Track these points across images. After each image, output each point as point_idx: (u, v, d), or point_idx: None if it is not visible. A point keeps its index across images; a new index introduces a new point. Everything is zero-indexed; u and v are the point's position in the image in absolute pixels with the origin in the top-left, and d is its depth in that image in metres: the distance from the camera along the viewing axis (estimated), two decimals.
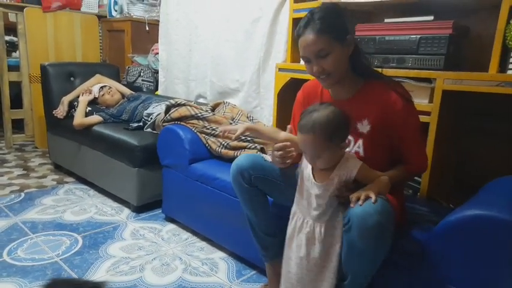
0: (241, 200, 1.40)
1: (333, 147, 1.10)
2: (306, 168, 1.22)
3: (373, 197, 1.04)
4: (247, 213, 1.43)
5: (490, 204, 1.07)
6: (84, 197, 2.44)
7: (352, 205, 1.06)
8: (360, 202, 1.04)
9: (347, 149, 1.25)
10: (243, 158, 1.38)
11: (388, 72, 1.63)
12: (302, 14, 2.03)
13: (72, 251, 1.78)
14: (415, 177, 1.66)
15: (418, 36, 1.58)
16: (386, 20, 1.75)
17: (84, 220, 2.11)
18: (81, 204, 2.32)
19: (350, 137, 1.26)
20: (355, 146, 1.26)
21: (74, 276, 1.58)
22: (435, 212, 1.42)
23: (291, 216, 1.27)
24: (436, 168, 1.59)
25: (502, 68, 1.44)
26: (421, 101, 1.56)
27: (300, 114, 1.17)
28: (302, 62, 2.11)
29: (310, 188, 1.19)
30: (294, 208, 1.27)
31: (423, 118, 1.53)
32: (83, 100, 2.59)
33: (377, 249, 1.07)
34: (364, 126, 1.23)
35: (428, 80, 1.54)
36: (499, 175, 1.36)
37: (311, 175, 1.19)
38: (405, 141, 1.23)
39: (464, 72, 1.46)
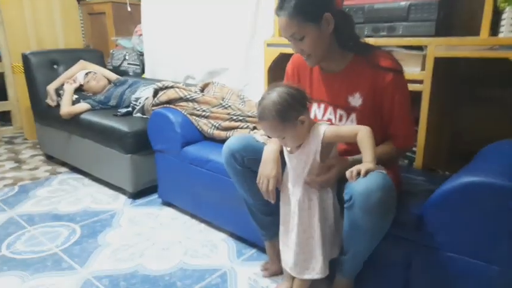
0: (236, 182, 1.39)
1: (290, 126, 1.13)
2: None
3: (362, 171, 1.03)
4: (243, 195, 1.42)
5: (484, 170, 1.07)
6: (78, 186, 2.42)
7: (352, 180, 1.04)
8: (361, 176, 1.03)
9: (341, 123, 1.25)
10: (234, 139, 1.36)
11: (379, 41, 1.60)
12: None
13: (71, 241, 1.78)
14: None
15: (408, 2, 1.54)
16: None
17: (80, 210, 2.09)
18: (76, 194, 2.30)
19: (342, 112, 1.25)
20: (348, 121, 1.24)
21: (75, 266, 1.58)
22: (431, 181, 1.42)
23: (281, 192, 1.29)
24: (431, 136, 1.59)
25: (494, 31, 1.41)
26: (413, 70, 1.54)
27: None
28: None
29: (288, 161, 1.23)
30: (283, 182, 1.28)
31: (415, 87, 1.52)
32: (68, 89, 2.52)
33: (381, 226, 1.07)
34: (356, 100, 1.22)
35: (419, 48, 1.51)
36: (493, 140, 1.36)
37: (286, 149, 1.24)
38: (392, 115, 1.20)
39: (455, 37, 1.44)
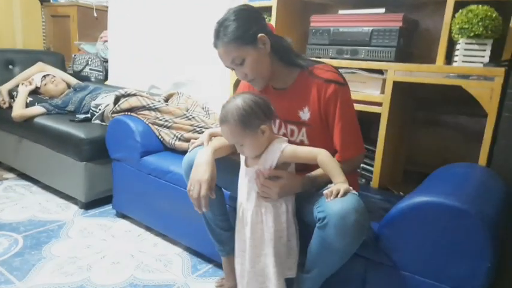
0: None
1: (251, 133, 1.11)
2: (242, 157, 1.23)
3: (341, 191, 1.04)
4: None
5: (437, 191, 1.10)
6: (25, 194, 2.26)
7: (329, 199, 1.04)
8: (339, 196, 1.03)
9: (292, 139, 1.25)
10: (194, 152, 1.32)
11: (343, 63, 1.65)
12: (258, 3, 2.00)
13: (11, 253, 1.64)
14: (366, 167, 1.70)
15: (371, 28, 1.61)
16: (340, 12, 1.76)
17: (25, 219, 1.95)
18: (23, 202, 2.15)
19: (293, 127, 1.26)
20: (299, 135, 1.25)
21: (13, 280, 1.46)
22: (387, 200, 1.46)
23: (237, 208, 1.25)
24: (388, 157, 1.64)
25: (449, 60, 1.50)
26: (373, 92, 1.60)
27: None
28: None
29: (244, 174, 1.20)
30: (238, 199, 1.25)
31: (374, 109, 1.57)
32: (23, 90, 2.39)
33: (352, 247, 1.07)
34: (305, 114, 1.23)
35: (380, 71, 1.57)
36: (446, 163, 1.42)
37: (244, 160, 1.21)
38: (334, 126, 1.20)
39: (413, 64, 1.51)
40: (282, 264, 1.19)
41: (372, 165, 1.64)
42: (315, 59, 1.29)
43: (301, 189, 1.18)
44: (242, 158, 1.24)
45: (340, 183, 1.07)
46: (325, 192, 1.06)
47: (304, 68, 1.22)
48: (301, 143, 1.24)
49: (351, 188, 1.07)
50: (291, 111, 1.25)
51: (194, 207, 1.22)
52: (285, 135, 1.28)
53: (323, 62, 1.26)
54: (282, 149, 1.13)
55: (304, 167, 1.20)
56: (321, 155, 1.11)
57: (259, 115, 1.11)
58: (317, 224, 1.08)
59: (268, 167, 1.15)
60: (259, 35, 1.16)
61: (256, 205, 1.18)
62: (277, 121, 1.30)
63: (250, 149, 1.15)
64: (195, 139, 1.85)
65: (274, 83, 1.28)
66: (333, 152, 1.22)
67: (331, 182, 1.12)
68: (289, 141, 1.25)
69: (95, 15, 3.25)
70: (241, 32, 1.14)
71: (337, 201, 1.03)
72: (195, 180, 1.20)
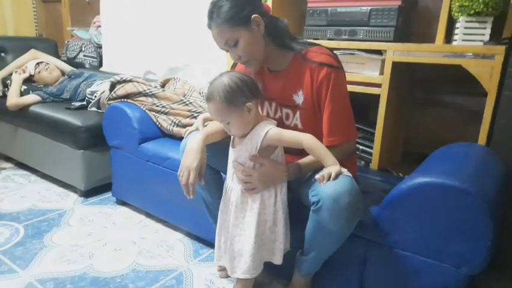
0: None
1: (236, 110, 1.09)
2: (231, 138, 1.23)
3: (333, 173, 1.04)
4: (201, 193, 1.38)
5: (437, 171, 1.10)
6: (24, 183, 2.26)
7: (322, 183, 1.04)
8: (331, 179, 1.03)
9: (287, 123, 1.24)
10: (191, 135, 1.31)
11: (341, 44, 1.63)
12: None
13: (13, 242, 1.64)
14: (365, 149, 1.70)
15: (369, 7, 1.58)
16: None
17: (25, 208, 1.95)
18: (22, 192, 2.14)
19: (288, 110, 1.25)
20: (293, 119, 1.24)
21: (16, 269, 1.46)
22: (386, 181, 1.46)
23: (224, 188, 1.25)
24: (387, 138, 1.63)
25: (448, 39, 1.48)
26: (372, 73, 1.58)
27: None
28: None
29: (231, 155, 1.20)
30: (226, 178, 1.26)
31: (374, 90, 1.56)
32: (17, 79, 2.35)
33: (347, 229, 1.08)
34: (299, 98, 1.21)
35: (379, 52, 1.55)
36: (444, 143, 1.42)
37: (232, 141, 1.21)
38: (325, 111, 1.16)
39: (413, 43, 1.49)
40: (262, 247, 1.19)
41: (371, 147, 1.64)
42: (310, 41, 1.26)
43: (285, 178, 1.16)
44: (232, 137, 1.23)
45: (331, 166, 1.06)
46: (317, 177, 1.06)
47: (297, 51, 1.20)
48: (295, 127, 1.23)
49: (343, 170, 1.07)
50: (286, 95, 1.24)
51: (183, 192, 1.22)
52: (280, 118, 1.27)
53: (318, 44, 1.23)
54: (267, 130, 1.12)
55: (298, 151, 1.19)
56: (307, 139, 1.10)
57: (245, 92, 1.10)
58: (311, 208, 1.08)
59: (253, 149, 1.13)
60: (253, 15, 1.13)
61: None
62: (274, 103, 1.28)
63: (236, 127, 1.13)
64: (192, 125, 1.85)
65: (269, 65, 1.26)
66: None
67: (319, 170, 1.11)
68: (284, 125, 1.25)
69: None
70: (234, 12, 1.11)
71: (330, 184, 1.03)
72: (185, 167, 1.20)
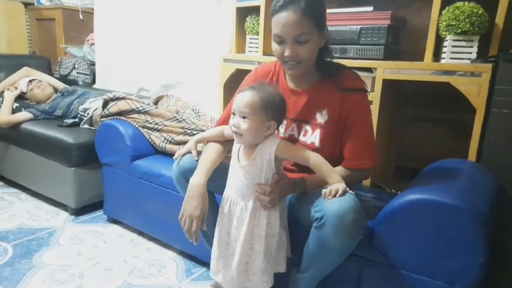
0: None
1: (262, 117, 1.09)
2: (235, 149, 1.20)
3: (340, 190, 1.04)
4: None
5: (429, 188, 1.11)
6: (14, 201, 2.22)
7: (327, 198, 1.04)
8: (337, 195, 1.03)
9: (304, 139, 1.25)
10: (185, 157, 1.30)
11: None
12: (246, 3, 2.00)
13: (1, 262, 1.61)
14: None
15: (359, 26, 1.61)
16: (328, 11, 1.75)
17: (14, 227, 1.91)
18: (11, 210, 2.11)
19: (308, 127, 1.25)
20: (311, 136, 1.24)
21: None
22: (379, 198, 1.46)
23: (222, 201, 1.22)
24: (379, 154, 1.63)
25: (437, 57, 1.51)
26: (369, 92, 1.59)
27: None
28: (247, 53, 2.07)
29: (236, 168, 1.18)
30: (225, 192, 1.23)
31: None
32: (9, 96, 2.34)
33: (350, 246, 1.07)
34: (322, 117, 1.22)
35: (369, 70, 1.58)
36: (435, 159, 1.43)
37: (237, 155, 1.18)
38: (351, 132, 1.19)
39: (402, 61, 1.51)
40: (270, 260, 1.18)
41: (368, 177, 1.64)
42: (341, 64, 1.27)
43: (293, 191, 1.18)
44: (234, 151, 1.21)
45: (337, 183, 1.07)
46: (323, 191, 1.06)
47: (329, 75, 1.21)
48: (312, 145, 1.23)
49: (345, 186, 1.07)
50: (308, 112, 1.24)
51: (187, 235, 1.21)
52: (291, 136, 1.27)
53: (347, 67, 1.25)
54: (277, 143, 1.12)
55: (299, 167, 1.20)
56: (315, 156, 1.11)
57: (277, 112, 1.11)
58: (314, 224, 1.07)
59: (263, 162, 1.12)
60: (325, 27, 1.15)
61: (254, 202, 1.16)
62: (285, 121, 1.27)
63: (249, 129, 1.09)
64: (186, 142, 1.85)
65: (300, 79, 1.25)
66: (338, 160, 1.21)
67: (321, 187, 1.12)
68: (298, 142, 1.26)
69: (81, 17, 3.20)
70: (319, 12, 1.11)
71: (334, 201, 1.03)
72: (187, 214, 1.18)
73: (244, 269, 1.18)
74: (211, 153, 1.24)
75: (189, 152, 1.30)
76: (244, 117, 1.09)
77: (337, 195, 1.04)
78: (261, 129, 1.10)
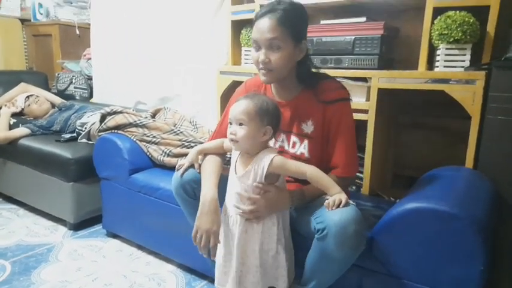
0: (187, 213, 1.34)
1: (257, 122, 1.11)
2: (233, 160, 1.21)
3: (343, 201, 1.05)
4: (192, 226, 1.36)
5: (426, 196, 1.12)
6: (12, 217, 2.21)
7: (329, 209, 1.04)
8: (341, 206, 1.04)
9: (293, 151, 1.25)
10: (188, 174, 1.28)
11: (327, 72, 1.66)
12: (241, 16, 2.02)
13: None
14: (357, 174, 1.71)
15: (353, 37, 1.63)
16: (322, 22, 1.78)
17: (12, 244, 1.90)
18: (9, 226, 2.09)
19: (296, 139, 1.25)
20: (300, 147, 1.25)
21: None
22: (378, 206, 1.46)
23: (222, 213, 1.21)
24: (377, 163, 1.65)
25: (430, 65, 1.53)
26: (358, 100, 1.61)
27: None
28: (243, 65, 2.09)
29: (232, 184, 1.18)
30: (224, 203, 1.23)
31: (361, 116, 1.58)
32: (5, 112, 2.35)
33: (352, 257, 1.07)
34: (308, 127, 1.23)
35: (364, 79, 1.59)
36: (432, 166, 1.44)
37: (234, 166, 1.19)
38: (334, 143, 1.21)
39: (396, 70, 1.53)
40: (266, 275, 1.17)
41: (362, 172, 1.65)
42: (321, 72, 1.28)
43: (290, 204, 1.17)
44: (232, 161, 1.21)
45: (338, 194, 1.07)
46: (326, 202, 1.06)
47: (309, 86, 1.23)
48: (301, 156, 1.24)
49: (346, 197, 1.07)
50: (294, 123, 1.25)
51: (199, 251, 1.19)
52: (281, 148, 1.28)
53: (327, 76, 1.27)
54: (272, 157, 1.12)
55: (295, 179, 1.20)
56: (311, 170, 1.11)
57: (273, 119, 1.14)
58: (316, 235, 1.07)
59: (257, 176, 1.13)
60: (304, 41, 1.18)
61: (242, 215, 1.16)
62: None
63: (245, 136, 1.11)
64: (184, 155, 1.85)
65: (280, 91, 1.27)
66: (326, 169, 1.21)
67: (320, 196, 1.12)
68: (288, 154, 1.26)
69: (77, 33, 3.23)
70: (296, 23, 1.14)
71: (336, 212, 1.03)
72: (203, 230, 1.15)
73: (238, 282, 1.18)
74: (214, 166, 1.25)
75: (192, 165, 1.29)
76: (241, 124, 1.12)
77: (341, 206, 1.04)
78: (258, 134, 1.12)
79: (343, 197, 1.06)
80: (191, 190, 1.27)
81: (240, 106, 1.12)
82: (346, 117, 1.21)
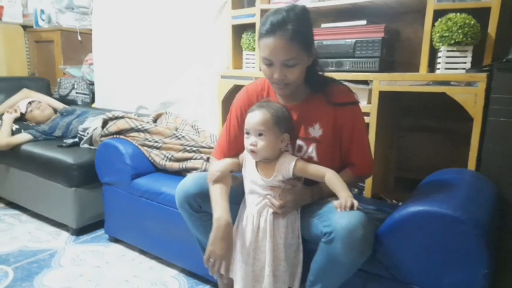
0: (191, 226, 1.34)
1: (276, 131, 1.15)
2: (250, 165, 1.23)
3: (355, 204, 1.06)
4: (197, 237, 1.37)
5: (429, 199, 1.11)
6: (15, 223, 2.21)
7: (340, 210, 1.06)
8: (355, 208, 1.05)
9: (299, 155, 1.25)
10: (190, 181, 1.28)
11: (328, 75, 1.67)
12: (242, 21, 2.02)
13: (1, 286, 1.59)
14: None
15: (354, 40, 1.63)
16: (323, 25, 1.79)
17: (15, 250, 1.90)
18: (12, 232, 2.10)
19: (302, 143, 1.25)
20: (308, 151, 1.24)
21: None
22: (380, 210, 1.46)
23: (245, 220, 1.21)
24: (379, 166, 1.65)
25: (431, 67, 1.53)
26: (360, 103, 1.60)
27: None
28: (244, 69, 2.10)
29: (255, 182, 1.20)
30: (241, 211, 1.24)
31: None
32: (8, 118, 2.36)
33: (359, 261, 1.06)
34: (316, 131, 1.23)
35: (365, 82, 1.59)
36: (435, 168, 1.43)
37: (255, 169, 1.21)
38: (351, 144, 1.22)
39: (398, 73, 1.53)
40: (286, 271, 1.18)
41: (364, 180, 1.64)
42: (329, 77, 1.28)
43: (310, 199, 1.20)
44: (251, 163, 1.22)
45: (349, 197, 1.09)
46: (337, 202, 1.08)
47: (318, 90, 1.22)
48: (310, 159, 1.24)
49: (350, 200, 1.08)
50: (301, 127, 1.25)
51: (209, 272, 1.22)
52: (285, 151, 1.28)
53: (335, 81, 1.27)
54: (295, 161, 1.17)
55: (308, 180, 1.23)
56: (329, 173, 1.16)
57: (288, 124, 1.19)
58: (323, 239, 1.07)
59: (284, 178, 1.18)
60: (314, 46, 1.17)
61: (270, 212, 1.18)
62: None
63: (265, 145, 1.15)
64: (186, 159, 1.85)
65: (289, 96, 1.25)
66: (340, 167, 1.24)
67: (332, 195, 1.17)
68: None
69: (79, 38, 3.24)
70: (305, 36, 1.11)
71: (343, 215, 1.04)
72: (216, 255, 1.17)
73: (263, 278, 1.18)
74: (223, 192, 1.23)
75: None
76: (260, 135, 1.15)
77: (354, 208, 1.05)
78: (277, 142, 1.16)
79: (355, 201, 1.07)
80: (196, 205, 1.27)
81: (256, 116, 1.15)
82: (361, 120, 1.24)
